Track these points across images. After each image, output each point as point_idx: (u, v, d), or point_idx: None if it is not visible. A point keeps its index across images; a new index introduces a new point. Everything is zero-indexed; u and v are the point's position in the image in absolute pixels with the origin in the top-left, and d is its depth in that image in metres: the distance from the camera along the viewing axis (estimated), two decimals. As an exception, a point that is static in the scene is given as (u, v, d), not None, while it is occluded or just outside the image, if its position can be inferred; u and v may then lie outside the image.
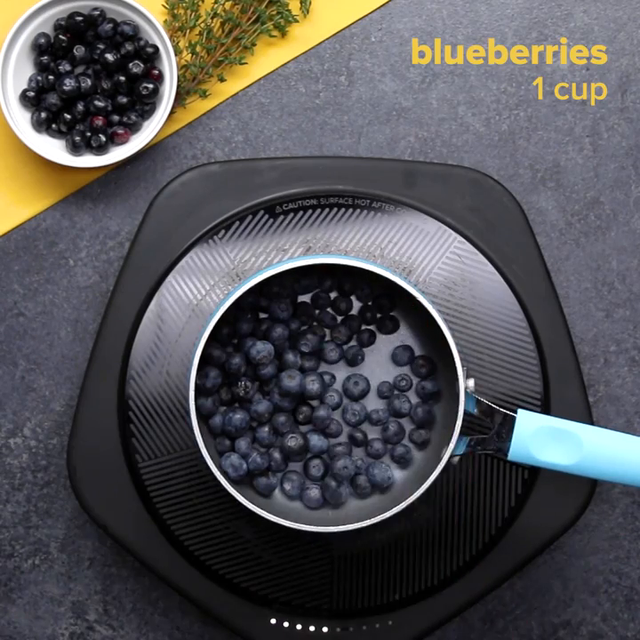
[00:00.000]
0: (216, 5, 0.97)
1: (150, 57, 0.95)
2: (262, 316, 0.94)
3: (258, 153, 0.98)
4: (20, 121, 0.95)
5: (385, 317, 0.94)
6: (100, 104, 0.95)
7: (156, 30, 0.95)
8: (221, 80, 0.98)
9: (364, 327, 0.95)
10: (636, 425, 0.98)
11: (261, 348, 0.91)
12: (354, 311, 0.95)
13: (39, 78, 0.95)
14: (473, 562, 0.92)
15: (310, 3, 0.97)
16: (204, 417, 0.92)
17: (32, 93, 0.95)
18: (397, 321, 0.94)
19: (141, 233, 0.94)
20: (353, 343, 0.94)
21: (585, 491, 0.92)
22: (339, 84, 0.99)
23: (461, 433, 0.85)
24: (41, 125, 0.95)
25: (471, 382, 0.87)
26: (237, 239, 0.93)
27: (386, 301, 0.94)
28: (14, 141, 0.97)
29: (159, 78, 0.96)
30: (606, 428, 0.94)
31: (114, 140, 0.96)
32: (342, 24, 0.98)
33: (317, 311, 0.94)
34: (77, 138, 0.95)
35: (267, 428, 0.92)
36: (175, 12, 0.97)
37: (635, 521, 0.98)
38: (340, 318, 0.94)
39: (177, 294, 0.92)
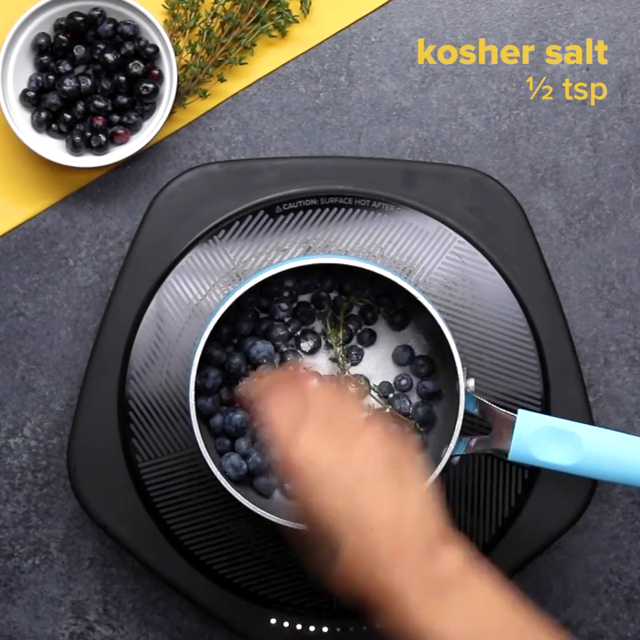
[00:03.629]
0: (216, 5, 0.97)
1: (150, 57, 0.95)
2: (262, 315, 0.94)
3: (258, 153, 0.98)
4: (20, 121, 0.95)
5: (395, 312, 0.94)
6: (100, 104, 0.95)
7: (156, 30, 0.95)
8: (221, 80, 0.98)
9: (364, 327, 0.95)
10: (636, 425, 0.98)
11: (261, 348, 0.91)
12: (354, 311, 0.95)
13: (39, 78, 0.95)
14: (473, 562, 0.92)
15: (310, 3, 0.97)
16: (204, 417, 0.92)
17: (32, 93, 0.95)
18: (407, 315, 0.94)
19: (141, 233, 0.94)
20: (353, 343, 0.94)
21: (585, 491, 0.92)
22: (339, 84, 0.99)
23: (461, 433, 0.85)
24: (41, 125, 0.95)
25: (471, 382, 0.87)
26: (237, 239, 0.93)
27: (387, 300, 0.94)
28: (14, 141, 0.97)
29: (159, 78, 0.96)
30: (606, 428, 0.94)
31: (114, 140, 0.96)
32: (342, 24, 0.98)
33: (317, 311, 0.94)
34: (77, 138, 0.95)
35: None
36: (175, 12, 0.97)
37: (635, 521, 0.98)
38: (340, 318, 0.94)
39: (177, 294, 0.92)
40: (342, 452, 0.68)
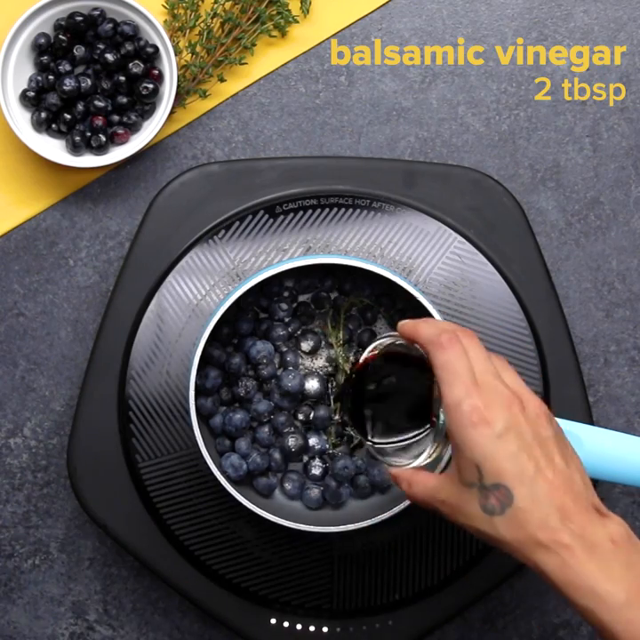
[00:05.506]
0: (216, 5, 0.97)
1: (150, 57, 0.95)
2: (262, 315, 0.94)
3: (258, 153, 0.98)
4: (20, 121, 0.95)
5: (395, 312, 0.94)
6: (99, 104, 0.95)
7: (156, 30, 0.95)
8: (221, 80, 0.98)
9: (364, 327, 0.95)
10: (636, 425, 0.98)
11: (261, 348, 0.91)
12: (354, 311, 0.95)
13: (39, 78, 0.95)
14: (473, 562, 0.92)
15: (310, 3, 0.97)
16: (204, 417, 0.92)
17: (32, 93, 0.95)
18: (407, 315, 0.93)
19: (141, 233, 0.94)
20: (353, 343, 0.94)
21: (585, 491, 0.92)
22: (339, 84, 0.99)
23: (461, 433, 0.85)
24: (41, 125, 0.95)
25: (471, 382, 0.86)
26: (237, 239, 0.93)
27: (387, 300, 0.94)
28: (14, 141, 0.97)
29: (159, 78, 0.96)
30: (606, 428, 0.94)
31: (114, 140, 0.96)
32: (342, 24, 0.98)
33: (317, 311, 0.94)
34: (77, 138, 0.95)
35: (267, 428, 0.92)
36: (175, 11, 0.97)
37: (635, 521, 0.98)
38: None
39: (177, 294, 0.92)
40: (522, 414, 0.70)
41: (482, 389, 0.70)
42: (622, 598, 0.66)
